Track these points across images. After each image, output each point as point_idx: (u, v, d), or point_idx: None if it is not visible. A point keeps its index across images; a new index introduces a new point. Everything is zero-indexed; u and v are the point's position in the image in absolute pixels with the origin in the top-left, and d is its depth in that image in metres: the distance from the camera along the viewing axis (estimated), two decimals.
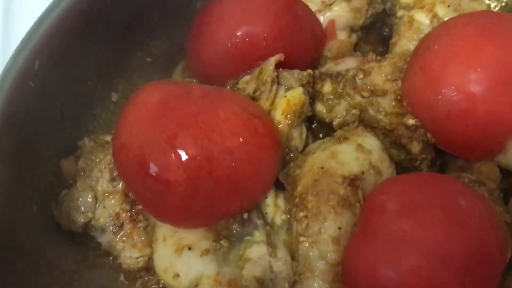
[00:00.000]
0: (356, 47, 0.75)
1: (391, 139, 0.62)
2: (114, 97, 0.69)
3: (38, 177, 0.59)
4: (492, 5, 0.74)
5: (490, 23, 0.59)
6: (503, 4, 0.75)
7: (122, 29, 0.69)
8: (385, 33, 0.76)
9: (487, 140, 0.58)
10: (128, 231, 0.58)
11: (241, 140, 0.51)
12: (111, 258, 0.60)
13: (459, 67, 0.57)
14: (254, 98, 0.61)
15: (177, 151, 0.50)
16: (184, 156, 0.50)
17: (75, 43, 0.62)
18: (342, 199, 0.53)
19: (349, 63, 0.68)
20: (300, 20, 0.65)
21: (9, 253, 0.53)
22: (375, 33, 0.77)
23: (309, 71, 0.63)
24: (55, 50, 0.58)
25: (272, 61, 0.61)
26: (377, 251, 0.46)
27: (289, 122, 0.61)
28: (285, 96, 0.61)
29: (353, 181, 0.54)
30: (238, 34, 0.63)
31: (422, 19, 0.69)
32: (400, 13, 0.71)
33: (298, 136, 0.63)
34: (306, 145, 0.64)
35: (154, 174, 0.50)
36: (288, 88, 0.62)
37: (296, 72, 0.63)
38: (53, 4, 0.58)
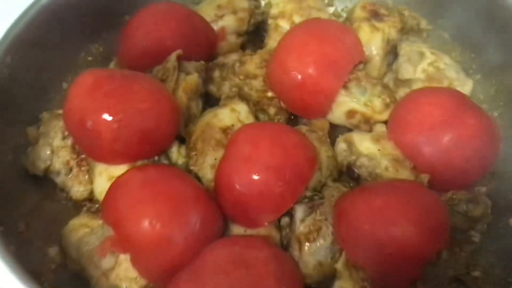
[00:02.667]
0: (244, 47, 1.04)
1: (257, 107, 0.90)
2: (65, 85, 0.96)
3: (12, 138, 0.84)
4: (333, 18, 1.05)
5: (316, 26, 0.89)
6: (343, 17, 1.06)
7: (71, 36, 0.95)
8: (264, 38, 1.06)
9: (317, 103, 0.87)
10: (76, 173, 0.84)
11: (148, 105, 0.78)
12: (64, 194, 0.86)
13: (296, 56, 0.86)
14: (162, 80, 0.88)
15: (104, 111, 0.76)
16: (109, 115, 0.76)
17: (38, 46, 0.88)
18: (217, 141, 0.81)
19: (233, 57, 0.97)
20: (195, 28, 0.93)
21: None
22: (260, 37, 1.07)
23: (202, 62, 0.91)
24: (24, 48, 0.84)
25: (174, 55, 0.88)
26: (230, 168, 0.74)
27: (188, 96, 0.89)
28: (185, 79, 0.89)
29: (225, 130, 0.82)
30: (151, 37, 0.91)
31: (284, 25, 0.98)
32: (270, 21, 1.00)
33: (195, 107, 0.90)
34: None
35: (90, 128, 0.76)
36: (187, 74, 0.90)
37: (193, 63, 0.91)
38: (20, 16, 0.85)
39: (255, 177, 0.72)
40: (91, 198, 0.85)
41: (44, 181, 0.85)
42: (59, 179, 0.84)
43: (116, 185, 0.73)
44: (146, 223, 0.67)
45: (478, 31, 0.92)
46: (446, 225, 0.69)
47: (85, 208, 0.85)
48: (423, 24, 1.00)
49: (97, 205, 0.84)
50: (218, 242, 0.69)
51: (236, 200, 0.73)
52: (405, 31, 0.99)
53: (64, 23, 0.93)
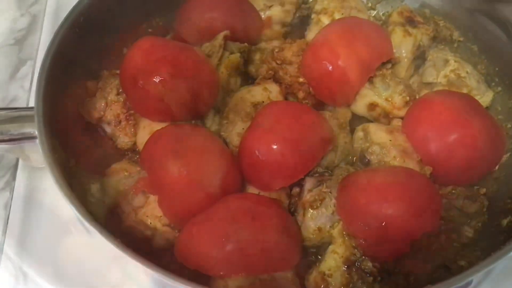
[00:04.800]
0: (286, 37, 1.14)
1: (289, 90, 1.00)
2: (125, 50, 1.08)
3: (74, 89, 0.98)
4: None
5: (351, 23, 0.98)
6: (382, 20, 1.14)
7: (136, 8, 1.08)
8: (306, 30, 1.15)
9: (342, 93, 0.96)
10: (123, 125, 0.96)
11: (192, 74, 0.90)
12: (110, 142, 1.00)
13: (329, 48, 0.95)
14: (209, 56, 0.99)
15: (155, 74, 0.88)
16: (158, 77, 0.87)
17: (108, 13, 1.00)
18: (247, 113, 0.91)
19: (274, 43, 1.07)
20: (243, 13, 1.05)
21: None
22: (302, 29, 1.17)
23: (245, 44, 1.02)
24: (96, 13, 0.97)
25: (222, 35, 0.99)
26: (253, 136, 0.84)
27: (228, 73, 0.99)
28: (228, 57, 1.00)
29: (256, 105, 0.93)
30: (205, 16, 1.03)
31: (325, 20, 1.08)
32: (313, 16, 1.10)
33: (233, 83, 1.01)
34: None
35: (140, 86, 0.89)
36: (231, 53, 1.01)
37: (237, 44, 1.02)
38: None
39: (273, 146, 0.81)
40: (133, 149, 0.97)
41: (95, 129, 0.98)
42: (109, 129, 0.97)
43: (155, 136, 0.84)
44: (175, 169, 0.78)
45: (505, 47, 0.98)
46: (436, 212, 0.76)
47: (127, 157, 0.97)
48: (455, 35, 1.07)
49: (137, 156, 0.97)
50: (232, 195, 0.80)
51: (255, 164, 0.83)
52: (438, 40, 1.06)
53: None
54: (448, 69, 0.96)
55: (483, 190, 0.88)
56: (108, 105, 0.97)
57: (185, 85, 0.89)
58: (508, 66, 0.98)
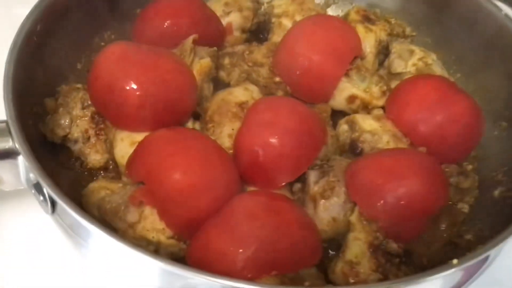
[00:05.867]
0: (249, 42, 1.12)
1: (266, 91, 0.98)
2: (79, 66, 1.00)
3: (31, 107, 0.86)
4: None
5: (322, 19, 0.99)
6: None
7: (85, 23, 1.00)
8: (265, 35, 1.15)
9: (321, 88, 0.96)
10: (93, 142, 0.86)
11: (172, 76, 0.84)
12: (78, 163, 0.89)
13: (302, 44, 0.94)
14: None
15: (132, 80, 0.81)
16: (136, 83, 0.80)
17: (55, 31, 0.92)
18: (234, 114, 0.87)
19: (241, 47, 1.05)
20: (209, 17, 1.01)
21: None
22: (260, 35, 1.15)
23: (215, 48, 0.98)
24: (50, 22, 0.89)
25: (191, 38, 0.95)
26: (251, 133, 0.80)
27: (201, 78, 0.95)
28: (199, 62, 0.95)
29: (241, 105, 0.89)
30: (169, 22, 0.98)
31: (287, 23, 1.07)
32: (273, 19, 1.09)
33: (207, 89, 0.96)
34: None
35: (117, 95, 0.81)
36: (201, 58, 0.96)
37: (206, 48, 0.98)
38: None
39: (275, 140, 0.78)
40: (106, 167, 0.88)
41: (60, 149, 0.88)
42: (76, 147, 0.87)
43: (146, 142, 0.77)
44: (177, 174, 0.72)
45: (459, 36, 1.05)
46: (446, 184, 0.77)
47: (100, 176, 0.88)
48: (408, 30, 1.12)
49: (112, 174, 0.87)
50: (243, 194, 0.74)
51: (256, 162, 0.78)
52: (392, 36, 1.10)
53: (79, 12, 0.98)
54: (415, 58, 1.00)
55: (470, 167, 0.91)
56: (74, 121, 0.87)
57: (165, 89, 0.83)
58: (465, 54, 1.04)
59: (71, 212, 0.63)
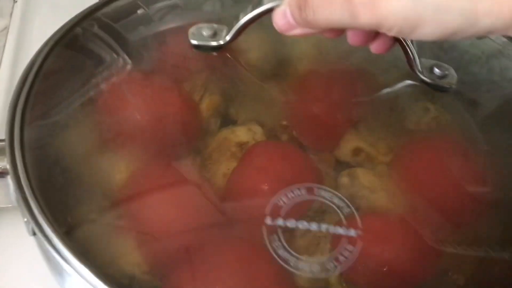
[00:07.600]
0: None
1: (271, 133, 0.96)
2: None
3: None
4: None
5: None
6: None
7: None
8: None
9: (327, 137, 0.95)
10: None
11: (179, 109, 0.86)
12: None
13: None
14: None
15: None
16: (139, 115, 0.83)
17: None
18: (232, 153, 0.87)
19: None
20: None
21: None
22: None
23: (227, 85, 1.00)
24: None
25: (204, 74, 0.97)
26: (243, 175, 0.80)
27: (209, 112, 0.96)
28: (209, 97, 0.97)
29: (241, 145, 0.89)
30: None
31: None
32: None
33: (214, 123, 0.97)
34: None
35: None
36: (211, 94, 0.98)
37: (219, 83, 0.99)
38: None
39: (265, 186, 0.77)
40: None
41: None
42: None
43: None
44: (160, 209, 0.72)
45: None
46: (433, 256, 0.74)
47: None
48: None
49: None
50: (220, 241, 0.74)
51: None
52: None
53: None
54: (429, 117, 0.97)
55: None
56: None
57: (168, 124, 0.84)
58: None
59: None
